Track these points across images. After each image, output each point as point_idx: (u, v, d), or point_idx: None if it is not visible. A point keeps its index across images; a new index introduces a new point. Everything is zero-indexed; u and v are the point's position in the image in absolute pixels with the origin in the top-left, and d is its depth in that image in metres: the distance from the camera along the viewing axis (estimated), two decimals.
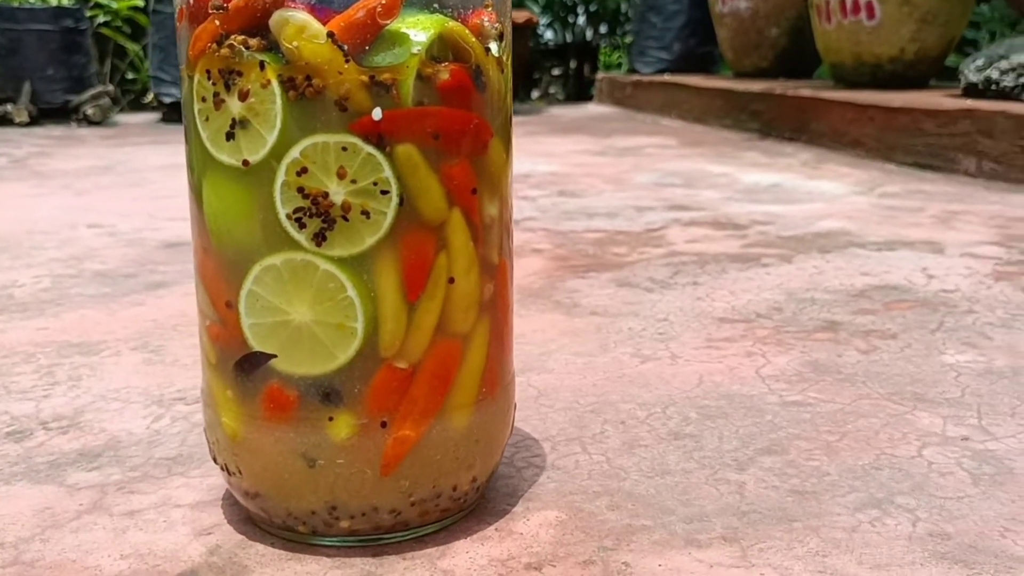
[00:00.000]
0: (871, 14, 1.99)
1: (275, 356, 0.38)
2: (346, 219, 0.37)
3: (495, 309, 0.42)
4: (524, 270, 0.95)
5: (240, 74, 0.36)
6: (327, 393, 0.38)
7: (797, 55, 2.59)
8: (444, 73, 0.37)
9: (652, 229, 1.17)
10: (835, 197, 1.41)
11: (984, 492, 0.46)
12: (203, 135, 0.38)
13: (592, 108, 3.34)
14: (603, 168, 1.78)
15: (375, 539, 0.41)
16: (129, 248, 1.09)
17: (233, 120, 0.37)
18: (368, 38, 0.36)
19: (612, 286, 0.89)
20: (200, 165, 0.39)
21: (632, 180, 1.62)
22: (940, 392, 0.61)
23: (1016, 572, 0.39)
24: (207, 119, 0.38)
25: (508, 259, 0.43)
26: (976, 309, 0.80)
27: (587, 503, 0.45)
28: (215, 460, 0.43)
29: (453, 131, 0.38)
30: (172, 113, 2.78)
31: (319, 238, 0.37)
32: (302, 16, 0.35)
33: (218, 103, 0.37)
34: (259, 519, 0.42)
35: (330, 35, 0.35)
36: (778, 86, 2.20)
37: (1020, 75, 1.56)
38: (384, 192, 0.37)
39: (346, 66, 0.36)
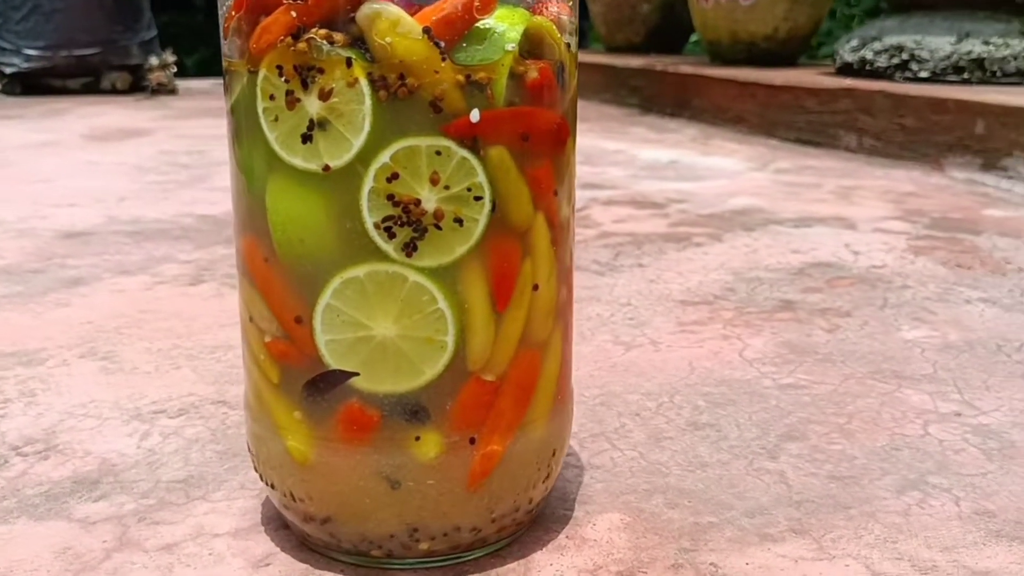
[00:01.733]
0: None
1: (357, 374, 0.36)
2: (438, 227, 0.34)
3: (566, 314, 0.40)
4: None
5: (321, 71, 0.33)
6: (414, 411, 0.36)
7: (668, 31, 2.66)
8: (534, 71, 0.35)
9: (575, 209, 1.17)
10: (735, 173, 1.46)
11: (1001, 467, 0.49)
12: (269, 136, 0.35)
13: None
14: None
15: (454, 559, 0.39)
16: (24, 240, 0.99)
17: (311, 121, 0.34)
18: (461, 34, 0.34)
19: None
20: (263, 168, 0.36)
21: None
22: (915, 369, 0.64)
23: None
24: (276, 119, 0.35)
25: (573, 261, 0.41)
26: (910, 284, 0.85)
27: (643, 502, 0.45)
28: (268, 484, 0.40)
29: (541, 131, 0.36)
30: (12, 85, 2.56)
31: (409, 248, 0.34)
32: (395, 10, 0.33)
33: (292, 102, 0.34)
34: (321, 544, 0.39)
35: (426, 31, 0.33)
36: (658, 62, 2.25)
37: (892, 56, 1.66)
38: (477, 198, 0.35)
39: (442, 64, 0.33)
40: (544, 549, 0.41)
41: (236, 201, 0.38)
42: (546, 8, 0.37)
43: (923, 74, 1.62)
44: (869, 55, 1.69)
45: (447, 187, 0.34)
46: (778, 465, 0.49)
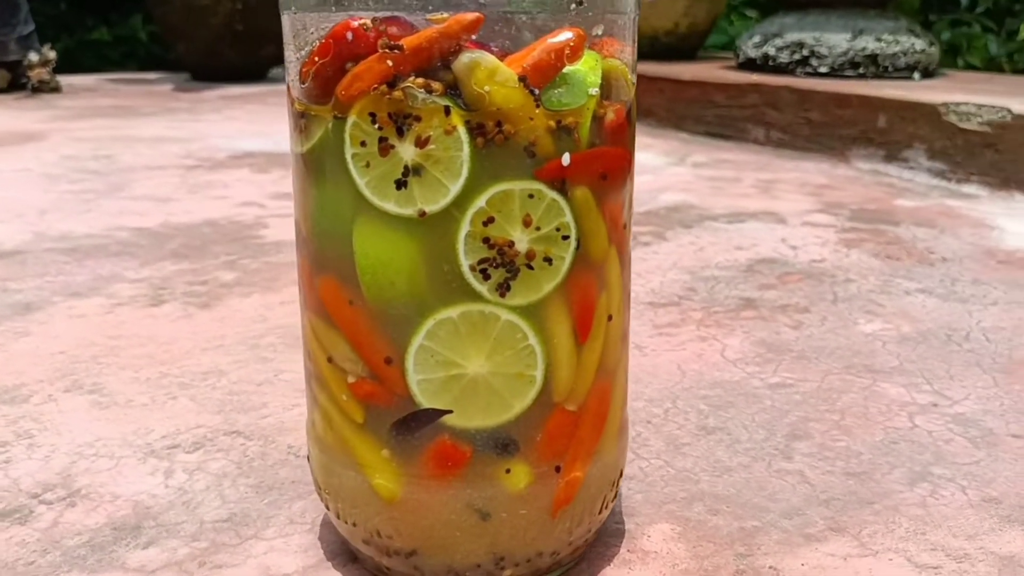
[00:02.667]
0: None
1: (450, 412, 0.36)
2: (530, 267, 0.35)
3: (628, 338, 0.42)
4: None
5: (418, 119, 0.34)
6: (505, 444, 0.37)
7: None
8: (611, 113, 0.37)
9: None
10: (656, 168, 1.51)
11: (989, 455, 0.54)
12: (359, 181, 0.35)
13: None
14: None
15: None
16: None
17: (406, 167, 0.34)
18: (550, 80, 0.35)
19: None
20: (348, 212, 0.36)
21: None
22: (883, 362, 0.68)
23: None
24: (367, 165, 0.35)
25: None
26: (852, 278, 0.90)
27: (685, 511, 0.47)
28: (345, 521, 0.40)
29: (617, 170, 0.38)
30: None
31: (503, 288, 0.35)
32: (492, 59, 0.33)
33: (385, 149, 0.34)
34: None
35: (522, 79, 0.34)
36: None
37: (794, 52, 1.74)
38: (565, 237, 0.36)
39: (536, 111, 0.34)
40: (612, 564, 0.42)
41: (310, 242, 0.38)
42: (610, 48, 0.38)
43: (823, 69, 1.71)
44: (772, 51, 1.77)
45: (538, 228, 0.35)
46: (795, 465, 0.52)
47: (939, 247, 1.02)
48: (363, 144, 0.35)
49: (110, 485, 0.50)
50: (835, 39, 1.70)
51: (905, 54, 1.69)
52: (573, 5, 0.34)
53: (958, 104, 1.36)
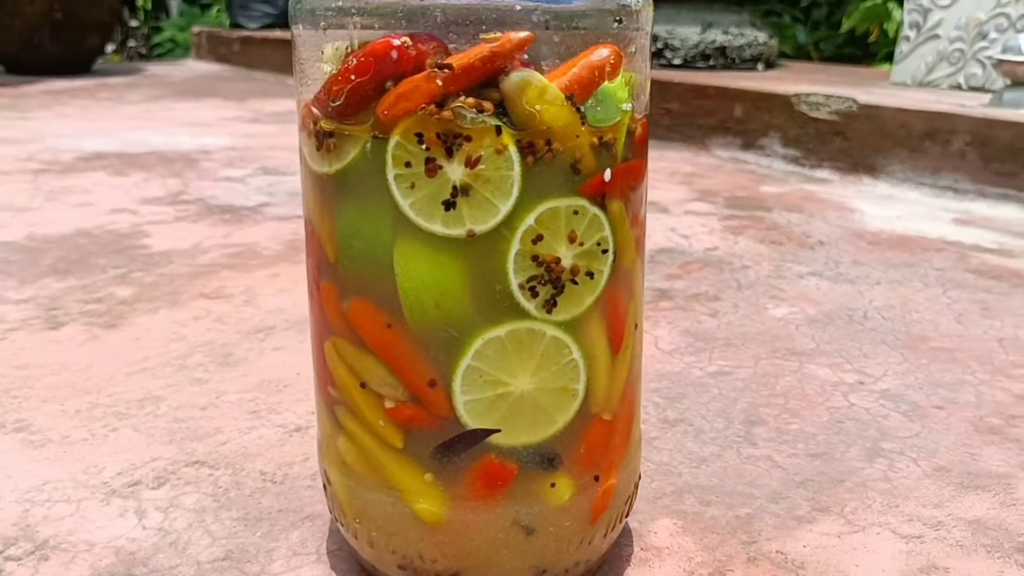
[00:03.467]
0: None
1: (497, 431, 0.36)
2: (575, 282, 0.36)
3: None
4: None
5: (468, 139, 0.33)
6: (550, 458, 0.37)
7: None
8: (639, 126, 0.37)
9: None
10: None
11: (924, 427, 0.58)
12: (402, 203, 0.34)
13: (194, 65, 3.12)
14: (277, 139, 1.71)
15: None
16: None
17: (454, 188, 0.34)
18: (589, 97, 0.35)
19: None
20: (388, 235, 0.35)
21: None
22: (802, 345, 0.73)
23: (1014, 481, 0.51)
24: (411, 186, 0.34)
25: None
26: (748, 264, 0.95)
27: (679, 504, 0.49)
28: (383, 549, 0.39)
29: (641, 181, 0.38)
30: None
31: (550, 305, 0.35)
32: (541, 78, 0.33)
33: (433, 170, 0.34)
34: None
35: (569, 98, 0.34)
36: None
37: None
38: (604, 251, 0.36)
39: (582, 129, 0.34)
40: (632, 564, 0.43)
41: (337, 266, 0.37)
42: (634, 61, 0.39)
43: (676, 61, 1.79)
44: None
45: (581, 243, 0.36)
46: (762, 451, 0.55)
47: (813, 231, 1.10)
48: (408, 165, 0.34)
49: (79, 532, 0.46)
50: (687, 32, 1.78)
51: (750, 46, 1.79)
52: (615, 23, 0.35)
53: (808, 95, 1.46)
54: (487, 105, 0.33)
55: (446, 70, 0.33)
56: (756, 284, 0.88)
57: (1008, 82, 1.33)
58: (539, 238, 0.35)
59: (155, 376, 0.65)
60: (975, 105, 1.35)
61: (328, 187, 0.36)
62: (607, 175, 0.36)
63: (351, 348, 0.37)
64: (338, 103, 0.35)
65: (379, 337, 0.36)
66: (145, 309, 0.79)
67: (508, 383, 0.36)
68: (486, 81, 0.33)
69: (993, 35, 1.50)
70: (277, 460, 0.53)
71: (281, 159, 1.49)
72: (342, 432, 0.39)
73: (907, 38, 1.61)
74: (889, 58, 2.31)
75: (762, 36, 1.81)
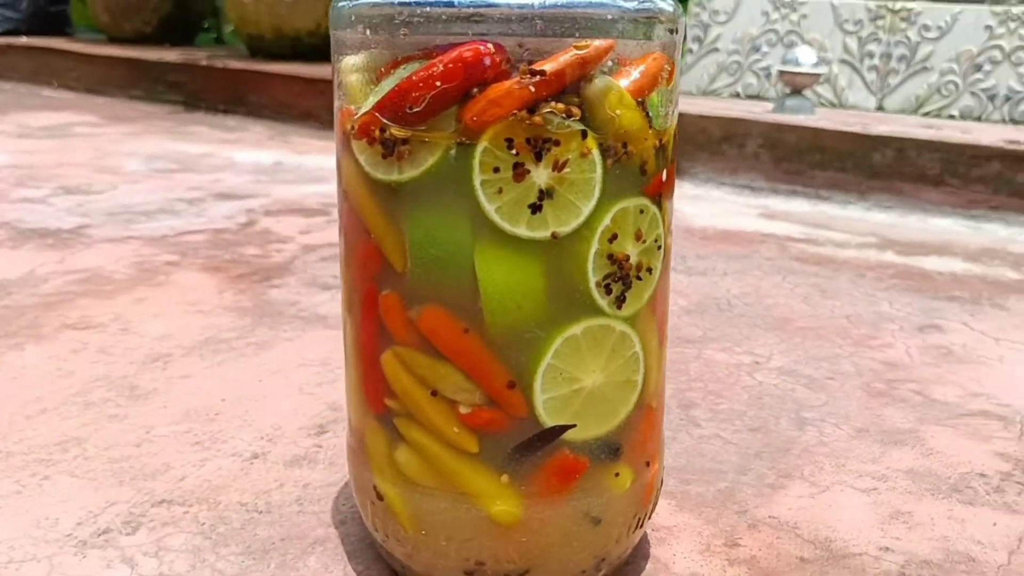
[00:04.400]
0: None
1: (573, 426, 0.37)
2: (639, 278, 0.38)
3: None
4: (212, 291, 0.86)
5: (557, 143, 0.34)
6: (615, 449, 0.39)
7: (181, 20, 2.54)
8: (676, 130, 0.40)
9: (247, 224, 1.13)
10: None
11: (829, 396, 0.66)
12: (488, 207, 0.34)
13: None
14: (63, 155, 1.57)
15: None
16: None
17: (540, 191, 0.35)
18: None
19: (315, 290, 0.87)
20: (468, 239, 0.35)
21: (123, 167, 1.47)
22: (692, 333, 0.79)
23: (920, 434, 0.59)
24: (499, 191, 0.34)
25: None
26: None
27: (664, 485, 0.52)
28: (440, 554, 0.38)
29: (675, 181, 0.41)
30: None
31: (620, 301, 0.37)
32: (618, 84, 0.35)
33: (521, 174, 0.34)
34: None
35: (640, 103, 0.36)
36: (203, 56, 2.16)
37: None
38: (659, 247, 0.39)
39: (649, 132, 0.37)
40: (653, 544, 0.46)
41: (406, 275, 0.36)
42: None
43: None
44: None
45: (643, 241, 0.38)
46: (709, 430, 0.59)
47: None
48: (496, 170, 0.34)
49: None
50: None
51: None
52: (669, 33, 0.37)
53: None
54: (575, 110, 0.34)
55: (539, 76, 0.34)
56: None
57: (788, 90, 1.49)
58: (614, 237, 0.36)
59: (62, 416, 0.59)
60: (762, 111, 1.50)
61: (398, 195, 0.36)
62: (664, 175, 0.38)
63: (421, 357, 0.37)
64: (417, 109, 0.34)
65: (455, 343, 0.36)
66: (7, 346, 0.71)
67: (582, 379, 0.37)
68: (572, 87, 0.35)
69: (765, 48, 1.68)
70: (251, 490, 0.50)
71: (81, 177, 1.37)
72: (403, 444, 0.38)
73: (691, 51, 1.76)
74: None
75: None
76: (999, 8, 1.48)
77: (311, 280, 0.90)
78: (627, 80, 0.36)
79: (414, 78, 0.34)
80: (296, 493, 0.50)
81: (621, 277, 0.37)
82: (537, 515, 0.38)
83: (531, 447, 0.37)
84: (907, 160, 1.30)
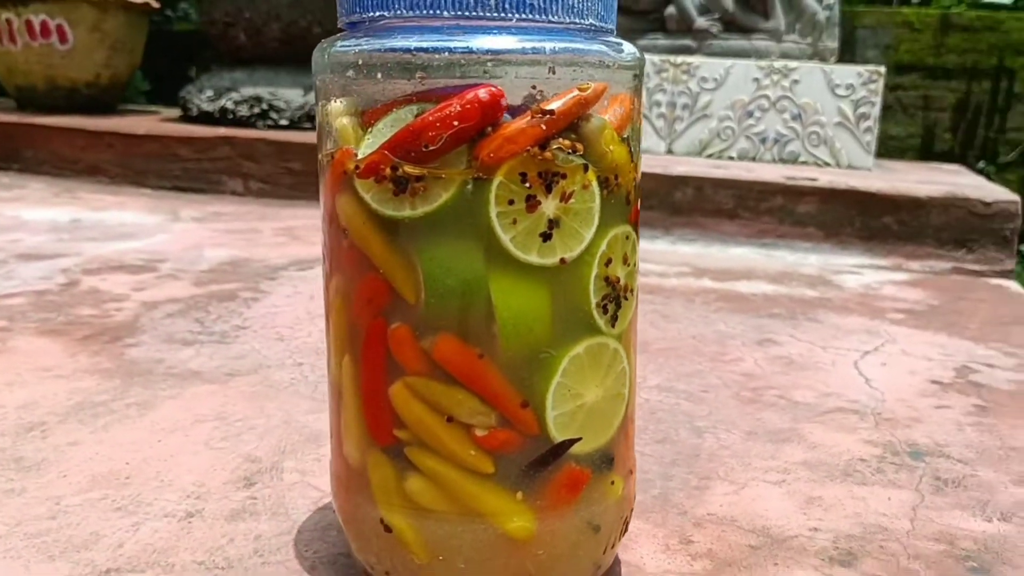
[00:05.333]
0: (63, 39, 1.95)
1: (579, 439, 0.40)
2: (626, 298, 0.41)
3: None
4: (62, 355, 0.80)
5: (563, 176, 0.37)
6: (610, 459, 0.42)
7: None
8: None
9: (69, 284, 1.05)
10: (160, 227, 1.44)
11: (710, 407, 0.72)
12: (504, 238, 0.37)
13: None
14: None
15: None
16: None
17: (550, 221, 0.37)
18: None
19: (177, 346, 0.83)
20: (483, 268, 0.37)
21: None
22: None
23: (799, 431, 0.66)
24: (514, 221, 0.37)
25: None
26: None
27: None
28: None
29: None
30: None
31: (614, 319, 0.40)
32: (608, 121, 0.39)
33: (533, 206, 0.37)
34: None
35: (624, 140, 0.39)
36: None
37: (253, 106, 1.80)
38: (635, 270, 0.42)
39: (631, 165, 0.40)
40: (619, 550, 0.49)
41: (419, 307, 0.37)
42: None
43: (283, 122, 1.81)
44: (230, 105, 1.80)
45: (628, 264, 0.41)
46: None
47: None
48: (511, 203, 0.37)
49: None
50: (290, 94, 1.82)
51: None
52: (634, 78, 0.41)
53: None
54: (579, 146, 0.37)
55: (549, 115, 0.36)
56: None
57: None
58: (609, 261, 0.40)
59: None
60: None
61: (411, 230, 0.37)
62: (638, 205, 0.42)
63: (435, 385, 0.38)
64: (433, 147, 0.36)
65: (471, 368, 0.38)
66: None
67: (584, 395, 0.40)
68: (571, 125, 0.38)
69: (758, 114, 1.79)
70: (201, 548, 0.48)
71: None
72: (414, 473, 0.39)
73: (679, 118, 1.81)
74: None
75: None
76: (763, 63, 1.67)
77: (167, 337, 0.86)
78: (613, 118, 0.39)
79: (430, 118, 0.36)
80: (251, 546, 0.49)
81: (614, 298, 0.40)
82: (549, 528, 0.40)
83: (543, 462, 0.39)
84: (705, 196, 1.43)
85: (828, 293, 1.17)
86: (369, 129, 0.39)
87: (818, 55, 1.81)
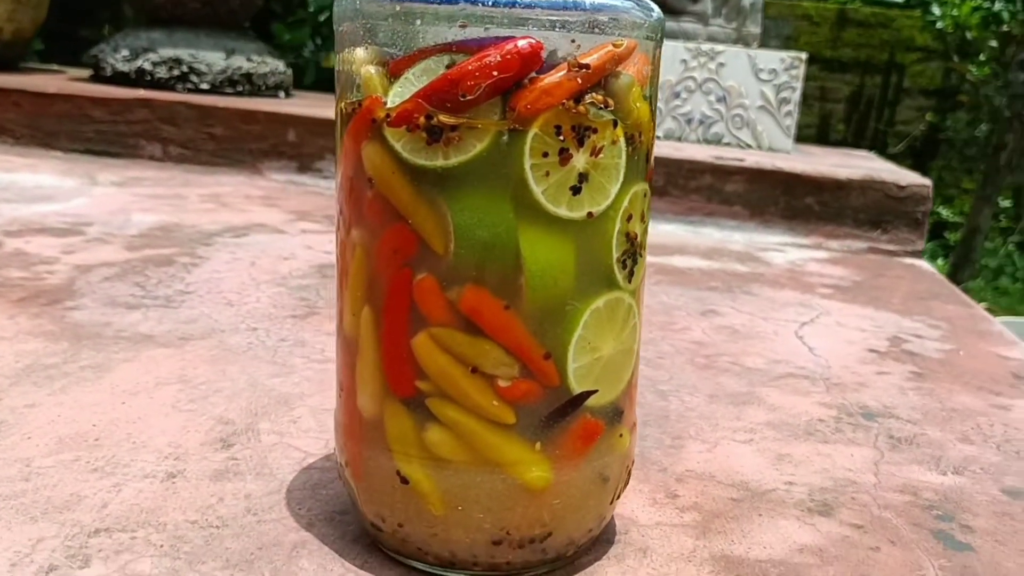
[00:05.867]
0: None
1: (596, 391, 0.41)
2: (640, 255, 0.42)
3: None
4: (0, 317, 0.76)
5: (595, 131, 0.38)
6: (620, 412, 0.43)
7: None
8: None
9: (16, 254, 1.00)
10: (78, 191, 1.38)
11: (670, 372, 0.74)
12: (536, 190, 0.37)
13: None
14: None
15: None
16: None
17: (580, 175, 0.38)
18: None
19: (122, 311, 0.80)
20: (512, 220, 0.37)
21: None
22: None
23: (757, 394, 0.68)
24: (547, 174, 0.37)
25: None
26: None
27: None
28: (474, 528, 0.40)
29: None
30: None
31: (630, 275, 0.41)
32: (634, 78, 0.39)
33: (566, 159, 0.37)
34: (522, 566, 0.42)
35: (647, 98, 0.40)
36: None
37: (172, 68, 1.74)
38: (647, 227, 0.43)
39: (652, 123, 0.41)
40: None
41: (446, 257, 0.37)
42: None
43: (204, 86, 1.75)
44: (147, 66, 1.73)
45: (644, 221, 0.42)
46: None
47: None
48: (545, 155, 0.37)
49: None
50: (212, 57, 1.76)
51: (273, 74, 1.84)
52: (657, 37, 0.42)
53: None
54: (610, 102, 0.38)
55: (584, 69, 0.37)
56: None
57: None
58: (630, 217, 0.40)
59: None
60: None
61: (443, 180, 0.37)
62: (652, 162, 0.43)
63: (460, 336, 0.38)
64: (471, 97, 0.36)
65: (497, 320, 0.38)
66: None
67: (601, 348, 0.41)
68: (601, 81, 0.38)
69: (684, 95, 1.79)
70: (191, 508, 0.47)
71: None
72: (434, 425, 0.39)
73: None
74: None
75: (281, 65, 1.86)
76: (691, 44, 1.71)
77: (110, 301, 0.83)
78: (637, 76, 0.40)
79: (470, 67, 0.36)
80: (243, 504, 0.48)
81: (632, 253, 0.41)
82: (565, 478, 0.41)
83: (562, 414, 0.40)
84: None
85: (758, 269, 1.21)
86: (397, 78, 0.38)
87: (742, 40, 1.86)
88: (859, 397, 0.71)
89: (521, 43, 0.36)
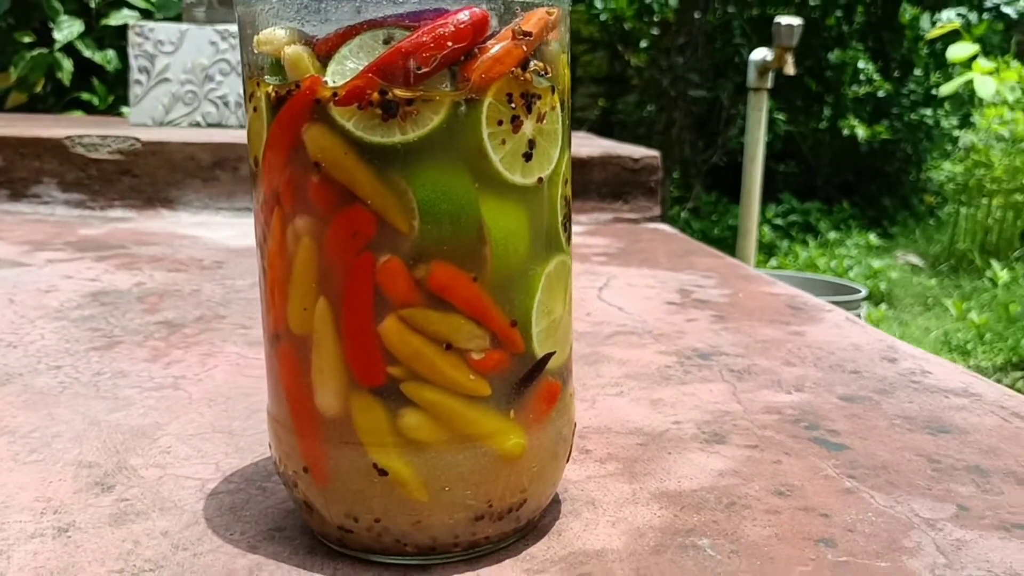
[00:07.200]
0: None
1: (554, 353, 0.41)
2: (571, 218, 0.43)
3: None
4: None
5: (539, 97, 0.38)
6: (569, 371, 0.44)
7: None
8: None
9: None
10: None
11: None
12: (494, 158, 0.37)
13: None
14: None
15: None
16: None
17: (530, 141, 0.38)
18: None
19: None
20: (473, 192, 0.37)
21: None
22: None
23: (604, 354, 0.72)
24: (503, 142, 0.37)
25: None
26: (242, 285, 0.96)
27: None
28: (459, 504, 0.39)
29: None
30: None
31: (569, 238, 0.42)
32: (563, 44, 0.40)
33: (517, 126, 0.38)
34: (498, 538, 0.42)
35: (569, 63, 0.42)
36: None
37: None
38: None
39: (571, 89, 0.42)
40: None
41: (411, 235, 0.36)
42: None
43: None
44: None
45: (569, 184, 0.43)
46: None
47: (184, 255, 1.14)
48: (499, 123, 0.37)
49: None
50: None
51: None
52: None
53: (81, 136, 1.43)
54: (549, 68, 0.39)
55: (528, 36, 0.38)
56: None
57: None
58: (566, 181, 0.42)
59: None
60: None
61: (401, 156, 0.36)
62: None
63: (431, 314, 0.38)
64: (426, 69, 0.36)
65: (466, 292, 0.38)
66: None
67: (554, 310, 0.42)
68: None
69: (219, 78, 1.69)
70: (106, 558, 0.42)
71: None
72: (410, 409, 0.38)
73: (139, 82, 1.68)
74: (77, 105, 2.30)
75: None
76: (220, 27, 1.71)
77: None
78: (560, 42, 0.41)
79: (424, 38, 0.35)
80: (166, 543, 0.43)
81: (568, 216, 0.42)
82: (536, 442, 0.41)
83: (531, 378, 0.41)
84: None
85: None
86: (328, 57, 0.37)
87: None
88: (687, 342, 0.77)
89: (469, 12, 0.36)
